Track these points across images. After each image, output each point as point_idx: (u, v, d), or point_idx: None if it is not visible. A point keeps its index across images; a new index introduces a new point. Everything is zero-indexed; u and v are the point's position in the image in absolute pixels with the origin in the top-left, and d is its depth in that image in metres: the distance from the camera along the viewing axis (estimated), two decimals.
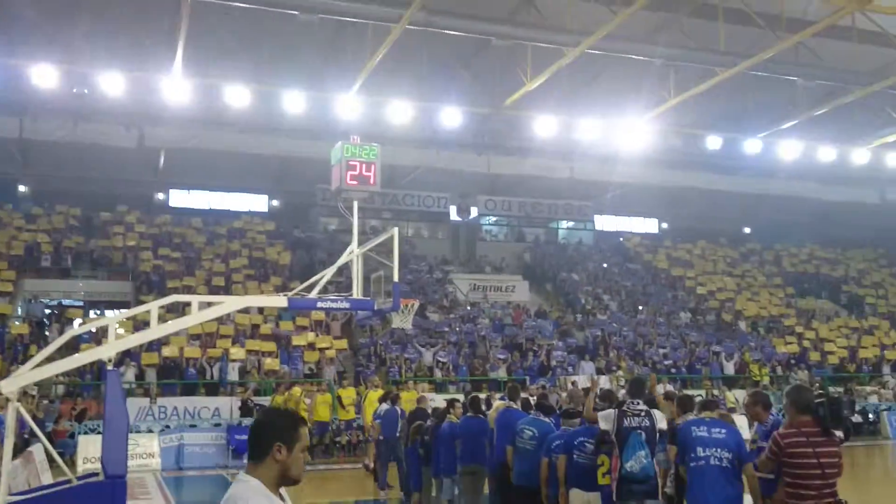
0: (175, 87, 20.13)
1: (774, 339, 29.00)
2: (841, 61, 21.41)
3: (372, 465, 15.39)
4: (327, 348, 23.68)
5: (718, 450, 6.32)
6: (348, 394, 20.04)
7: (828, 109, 23.55)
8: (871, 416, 24.46)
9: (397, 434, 13.75)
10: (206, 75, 20.78)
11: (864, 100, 22.98)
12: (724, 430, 6.45)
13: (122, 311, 20.08)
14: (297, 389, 18.54)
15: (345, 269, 15.09)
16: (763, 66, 20.27)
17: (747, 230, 40.13)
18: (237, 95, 20.71)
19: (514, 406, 9.90)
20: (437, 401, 16.72)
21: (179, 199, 32.50)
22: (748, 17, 19.31)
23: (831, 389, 25.05)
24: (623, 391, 12.93)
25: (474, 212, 35.24)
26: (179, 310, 18.84)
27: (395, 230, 10.87)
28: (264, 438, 3.26)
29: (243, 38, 21.52)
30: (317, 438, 19.23)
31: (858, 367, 28.14)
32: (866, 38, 20.22)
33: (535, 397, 11.32)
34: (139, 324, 19.18)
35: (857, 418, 23.98)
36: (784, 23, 19.16)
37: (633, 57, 20.84)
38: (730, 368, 26.18)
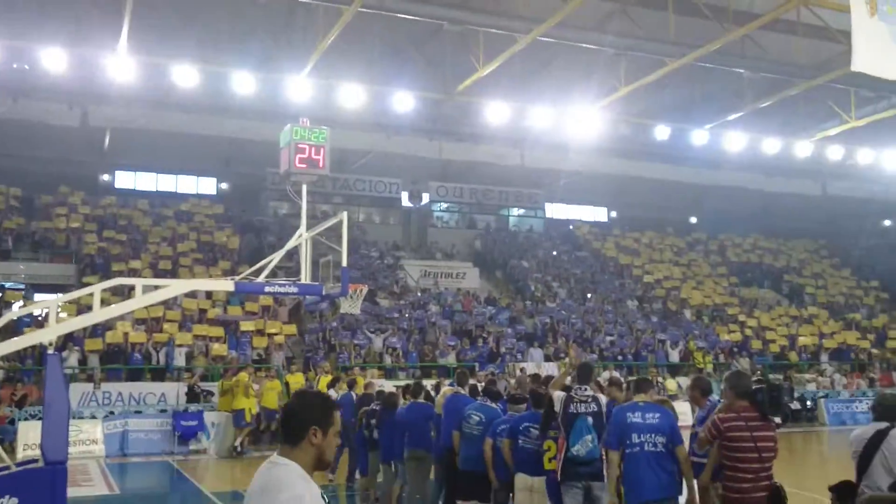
0: (120, 65, 19.61)
1: (718, 328, 29.62)
2: (786, 55, 21.83)
3: None
4: (276, 334, 23.49)
5: (653, 435, 6.43)
6: (297, 380, 19.95)
7: (772, 102, 24.01)
8: (808, 403, 25.18)
9: (353, 419, 13.74)
10: (152, 54, 20.30)
11: (807, 93, 23.48)
12: (657, 415, 6.55)
13: (64, 294, 19.64)
14: (243, 375, 18.36)
15: (294, 254, 14.98)
16: (710, 57, 20.55)
17: (693, 220, 40.85)
18: (185, 75, 20.26)
19: (462, 392, 9.96)
20: (387, 387, 16.68)
21: (125, 180, 31.88)
22: (697, 9, 19.55)
23: (771, 377, 25.77)
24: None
25: (426, 198, 35.25)
26: (125, 293, 18.55)
27: (345, 214, 10.80)
28: (300, 422, 3.28)
29: (191, 17, 21.10)
30: (264, 424, 19.11)
31: (798, 356, 28.91)
32: (810, 32, 20.64)
33: (483, 383, 11.39)
34: (83, 308, 18.76)
35: (795, 405, 24.68)
36: (731, 15, 19.46)
37: (585, 45, 20.96)
38: (675, 356, 26.66)
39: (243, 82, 20.80)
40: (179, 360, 21.52)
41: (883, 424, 5.81)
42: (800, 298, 34.65)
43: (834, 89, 23.55)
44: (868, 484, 5.61)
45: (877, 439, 5.71)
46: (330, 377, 18.40)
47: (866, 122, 24.75)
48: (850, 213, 38.76)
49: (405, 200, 35.06)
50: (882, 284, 37.08)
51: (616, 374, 20.32)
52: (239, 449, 17.76)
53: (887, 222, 41.23)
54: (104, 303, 10.65)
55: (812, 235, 40.30)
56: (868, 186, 34.62)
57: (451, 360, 23.74)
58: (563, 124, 24.15)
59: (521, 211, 38.28)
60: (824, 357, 29.12)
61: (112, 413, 18.75)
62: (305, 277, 10.85)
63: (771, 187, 34.57)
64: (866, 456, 5.69)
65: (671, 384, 23.62)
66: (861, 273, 38.39)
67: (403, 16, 19.36)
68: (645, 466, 6.38)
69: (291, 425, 3.30)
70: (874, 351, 30.15)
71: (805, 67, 22.10)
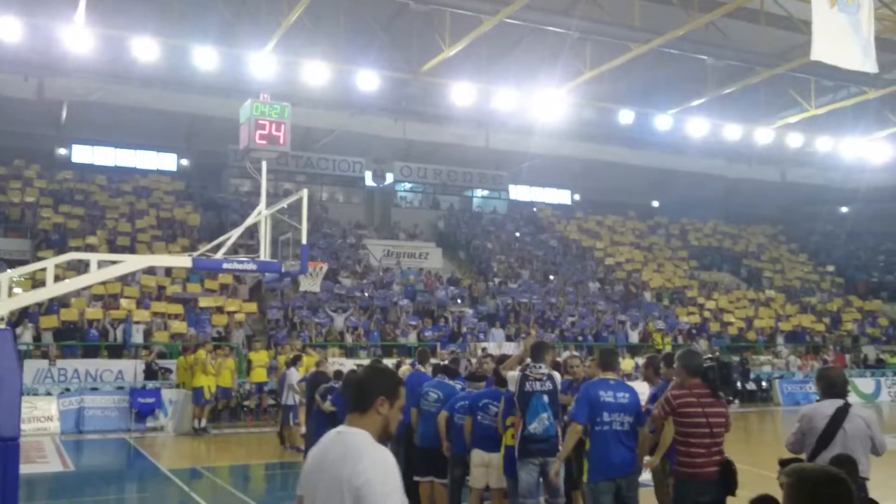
0: (77, 36, 19.14)
1: (677, 310, 30.04)
2: (748, 43, 22.04)
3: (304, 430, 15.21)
4: (236, 312, 23.32)
5: (622, 415, 6.51)
6: (260, 357, 19.78)
7: (735, 89, 24.28)
8: (764, 383, 25.71)
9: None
10: (111, 25, 19.84)
11: (768, 81, 23.78)
12: (627, 395, 6.62)
13: (16, 268, 19.25)
14: (201, 352, 18.21)
15: (255, 232, 14.86)
16: (675, 43, 20.69)
17: (655, 204, 41.26)
18: (145, 48, 19.82)
19: (422, 370, 9.99)
20: (348, 365, 16.69)
21: (83, 154, 31.30)
22: None
23: (726, 358, 26.26)
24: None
25: (389, 178, 35.15)
26: (81, 269, 18.25)
27: (304, 192, 10.73)
28: (369, 392, 3.40)
29: None
30: (222, 402, 19.03)
31: (755, 338, 29.46)
32: (773, 21, 20.87)
33: (446, 362, 11.43)
34: (38, 283, 18.43)
35: (751, 386, 25.21)
36: (696, 2, 19.59)
37: (551, 28, 20.96)
38: (634, 337, 27.00)
39: (205, 57, 20.44)
40: (137, 338, 21.27)
41: (840, 401, 5.86)
42: (758, 282, 35.26)
43: (795, 78, 23.88)
44: (825, 460, 5.69)
45: (840, 416, 5.75)
46: (292, 355, 18.31)
47: (825, 110, 25.15)
48: (808, 199, 39.51)
49: (369, 180, 34.92)
50: (837, 270, 37.89)
51: (576, 354, 20.50)
52: (201, 426, 17.67)
53: (844, 209, 42.07)
54: (60, 278, 10.48)
55: (771, 221, 41.00)
56: (826, 174, 35.32)
57: (412, 339, 23.78)
58: (527, 107, 24.16)
59: (485, 192, 38.33)
60: (780, 339, 29.72)
61: (68, 390, 18.49)
62: (265, 255, 10.77)
63: (732, 173, 35.08)
64: (829, 433, 5.72)
65: (627, 364, 23.90)
66: (817, 258, 39.17)
67: None
68: (614, 444, 6.46)
69: (361, 395, 3.42)
70: (828, 334, 30.83)
71: (767, 56, 22.36)
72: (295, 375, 15.51)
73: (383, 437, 3.40)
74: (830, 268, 37.92)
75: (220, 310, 23.32)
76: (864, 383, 26.86)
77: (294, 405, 15.21)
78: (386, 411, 3.40)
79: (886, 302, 34.90)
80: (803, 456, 5.85)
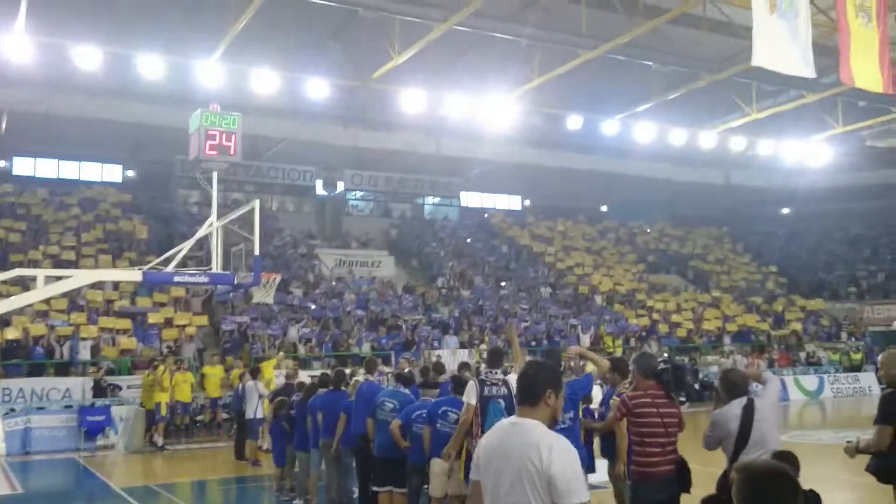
0: (17, 45, 18.67)
1: (627, 312, 30.45)
2: (692, 49, 22.49)
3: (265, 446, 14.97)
4: (186, 325, 22.94)
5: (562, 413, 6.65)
6: (216, 371, 19.47)
7: (679, 94, 24.73)
8: (714, 383, 26.14)
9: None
10: (52, 34, 19.41)
11: (712, 86, 24.25)
12: (566, 392, 6.75)
13: None
14: (160, 368, 17.86)
15: (205, 244, 14.68)
16: (621, 49, 20.99)
17: (604, 208, 41.80)
18: (88, 57, 19.42)
19: (372, 379, 9.95)
20: (302, 377, 16.53)
21: (24, 167, 30.53)
22: (609, 2, 19.96)
23: (677, 359, 26.68)
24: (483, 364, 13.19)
25: (340, 186, 34.99)
26: (25, 286, 17.78)
27: (256, 203, 10.67)
28: (539, 385, 3.69)
29: None
30: (179, 417, 18.72)
31: (702, 338, 30.00)
32: (715, 27, 21.32)
33: (409, 370, 11.40)
34: None
35: (699, 386, 25.64)
36: (641, 9, 19.94)
37: (500, 35, 21.11)
38: (586, 341, 27.25)
39: (151, 66, 20.10)
40: (84, 354, 20.78)
41: (744, 399, 6.06)
42: (704, 284, 35.92)
43: (737, 83, 24.42)
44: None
45: (748, 413, 5.94)
46: (242, 369, 18.06)
47: (767, 114, 25.77)
48: (751, 201, 40.44)
49: (319, 188, 34.71)
50: (780, 270, 38.80)
51: (530, 359, 20.64)
52: (160, 444, 17.37)
53: (785, 210, 43.18)
54: (3, 295, 10.20)
55: (716, 223, 41.84)
56: (768, 176, 36.18)
57: (365, 349, 23.68)
58: (478, 113, 24.28)
59: (437, 199, 38.41)
60: (727, 339, 30.31)
61: (13, 410, 17.97)
62: (217, 267, 10.65)
63: (678, 176, 35.69)
64: (744, 431, 5.91)
65: (589, 367, 24.09)
66: (761, 259, 40.08)
67: (318, 1, 19.08)
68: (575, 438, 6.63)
69: (530, 388, 3.70)
70: (773, 332, 31.54)
71: (710, 61, 22.84)
72: (258, 388, 15.23)
73: (552, 427, 3.66)
74: (773, 268, 38.82)
75: (169, 323, 22.93)
76: (808, 380, 27.57)
77: (259, 418, 14.93)
78: (553, 403, 3.68)
79: (828, 301, 35.86)
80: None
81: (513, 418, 3.72)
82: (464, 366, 10.21)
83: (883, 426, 6.12)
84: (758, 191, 38.54)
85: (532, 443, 3.48)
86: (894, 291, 35.67)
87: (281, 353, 19.75)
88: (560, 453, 3.45)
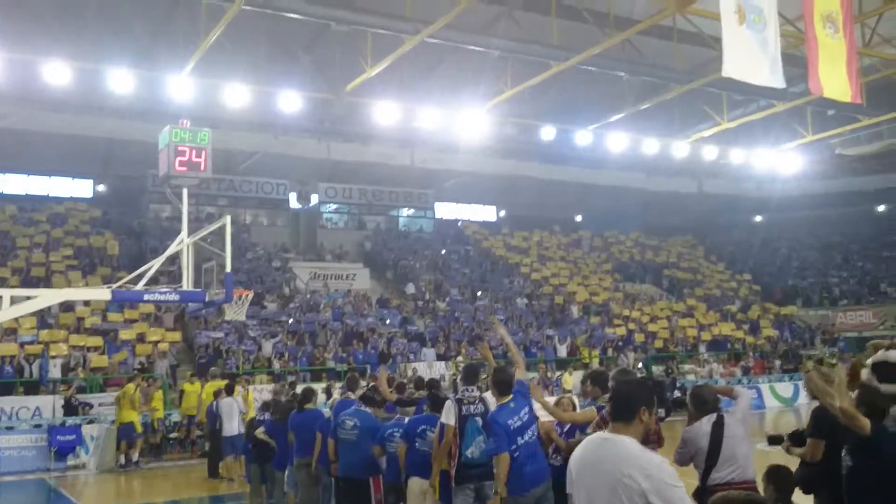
0: None
1: (601, 321, 30.51)
2: (663, 59, 22.67)
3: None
4: (159, 341, 22.64)
5: (530, 431, 6.72)
6: (195, 388, 19.09)
7: (651, 104, 24.92)
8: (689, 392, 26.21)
9: None
10: (19, 50, 19.16)
11: (683, 96, 24.47)
12: (525, 408, 6.81)
13: None
14: (130, 386, 17.55)
15: (177, 259, 14.49)
16: (592, 60, 21.10)
17: (579, 218, 41.95)
18: (56, 72, 19.19)
19: (352, 397, 9.82)
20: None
21: None
22: (579, 14, 20.06)
23: (654, 368, 26.78)
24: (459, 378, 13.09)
25: (314, 199, 34.82)
26: None
27: (227, 218, 10.53)
28: (633, 402, 3.76)
29: (63, 11, 20.07)
30: (150, 436, 18.38)
31: (679, 348, 30.12)
32: (686, 38, 21.52)
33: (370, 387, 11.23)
34: None
35: (677, 394, 25.68)
36: (612, 20, 20.05)
37: (472, 48, 21.16)
38: (563, 351, 27.29)
39: (120, 80, 19.90)
40: (55, 373, 20.42)
41: (714, 415, 6.10)
42: (679, 292, 36.12)
43: (708, 93, 24.65)
44: (719, 477, 5.88)
45: (718, 429, 5.98)
46: (217, 384, 17.80)
47: (737, 123, 26.03)
48: (724, 209, 40.78)
49: (293, 202, 34.52)
50: (753, 277, 39.12)
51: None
52: (134, 461, 17.07)
53: (758, 218, 43.60)
54: None
55: (689, 231, 42.14)
56: (740, 184, 36.51)
57: (341, 363, 23.51)
58: (451, 125, 24.30)
59: (411, 211, 38.35)
60: (703, 348, 30.46)
61: None
62: (188, 284, 10.50)
63: (651, 186, 35.91)
64: (714, 447, 5.94)
65: (568, 380, 24.07)
66: (734, 267, 40.41)
67: (289, 14, 19.00)
68: (529, 460, 6.63)
69: (625, 405, 3.78)
70: (749, 339, 31.75)
71: (681, 72, 23.02)
72: (238, 403, 15.01)
73: (644, 443, 3.73)
74: (747, 276, 39.14)
75: (142, 339, 22.62)
76: (783, 388, 27.74)
77: (232, 435, 14.70)
78: (646, 419, 3.75)
79: (801, 308, 36.20)
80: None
81: (604, 434, 3.80)
82: (433, 383, 10.08)
83: (815, 440, 6.15)
84: (730, 199, 38.89)
85: (629, 460, 3.55)
86: (866, 297, 36.11)
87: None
88: (658, 470, 3.52)
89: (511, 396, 6.87)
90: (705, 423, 6.05)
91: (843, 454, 5.17)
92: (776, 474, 5.36)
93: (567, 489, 3.91)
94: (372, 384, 10.56)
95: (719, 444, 5.92)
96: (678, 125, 27.68)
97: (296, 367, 23.09)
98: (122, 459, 17.08)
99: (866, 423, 4.98)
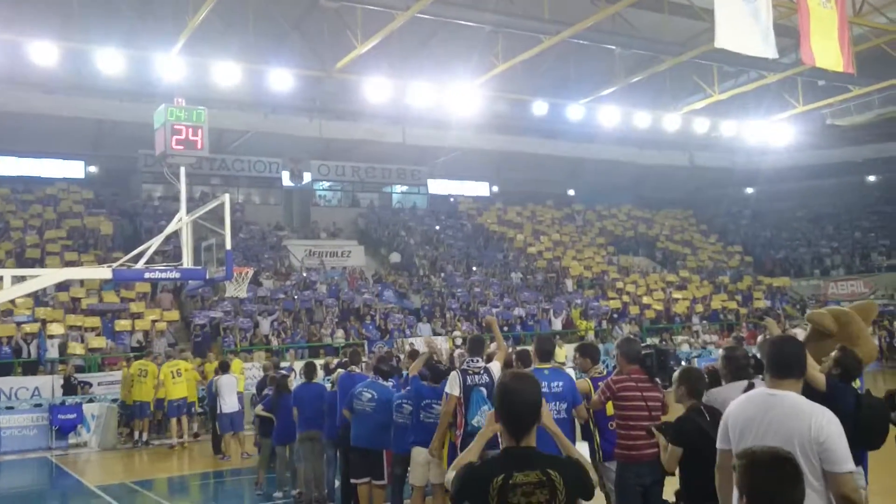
0: None
1: (592, 294, 30.71)
2: (654, 32, 22.66)
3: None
4: (157, 320, 22.72)
5: (557, 403, 6.62)
6: (212, 367, 18.91)
7: (642, 77, 24.93)
8: (683, 363, 26.45)
9: None
10: (7, 31, 19.03)
11: (674, 69, 24.50)
12: (561, 383, 6.73)
13: None
14: (153, 365, 17.53)
15: (172, 238, 14.53)
16: (584, 34, 21.08)
17: (571, 192, 42.02)
18: (44, 53, 19.05)
19: (356, 370, 9.97)
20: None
21: None
22: None
23: (649, 341, 26.97)
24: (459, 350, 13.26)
25: (307, 177, 34.79)
26: None
27: (226, 197, 10.58)
28: (801, 360, 4.10)
29: None
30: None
31: (671, 319, 30.37)
32: (676, 10, 21.52)
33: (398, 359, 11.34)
34: None
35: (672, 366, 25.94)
36: None
37: (462, 23, 21.10)
38: (558, 324, 27.47)
39: (109, 60, 19.79)
40: (52, 352, 20.50)
41: (744, 383, 5.72)
42: (672, 264, 36.33)
43: (699, 65, 24.66)
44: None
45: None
46: (216, 362, 17.88)
47: (729, 95, 26.09)
48: (716, 181, 40.92)
49: (286, 180, 34.49)
50: (745, 249, 39.36)
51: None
52: (143, 440, 17.23)
53: (749, 190, 43.76)
54: None
55: (681, 204, 42.29)
56: (731, 156, 36.64)
57: (338, 339, 23.65)
58: (443, 101, 24.26)
59: (404, 188, 38.37)
60: (696, 319, 30.71)
61: None
62: (188, 262, 10.56)
63: (643, 159, 35.98)
64: None
65: (560, 354, 24.23)
66: (726, 239, 40.62)
67: None
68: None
69: (795, 362, 4.03)
70: (742, 310, 32.00)
71: (672, 44, 23.04)
72: (232, 381, 15.12)
73: None
74: (738, 247, 39.35)
75: (138, 317, 22.69)
76: None
77: (231, 412, 14.81)
78: (805, 377, 4.08)
79: (793, 278, 36.47)
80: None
81: (768, 390, 3.97)
82: (382, 359, 10.22)
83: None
84: (722, 171, 39.01)
85: (801, 413, 3.73)
86: (857, 267, 36.39)
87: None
88: (831, 424, 3.68)
89: (550, 365, 6.91)
90: (735, 390, 5.58)
91: None
92: (687, 374, 5.48)
93: (719, 444, 4.05)
94: (380, 355, 10.68)
95: None
96: (669, 98, 27.71)
97: (293, 343, 23.21)
98: (136, 436, 17.21)
99: (821, 378, 5.15)
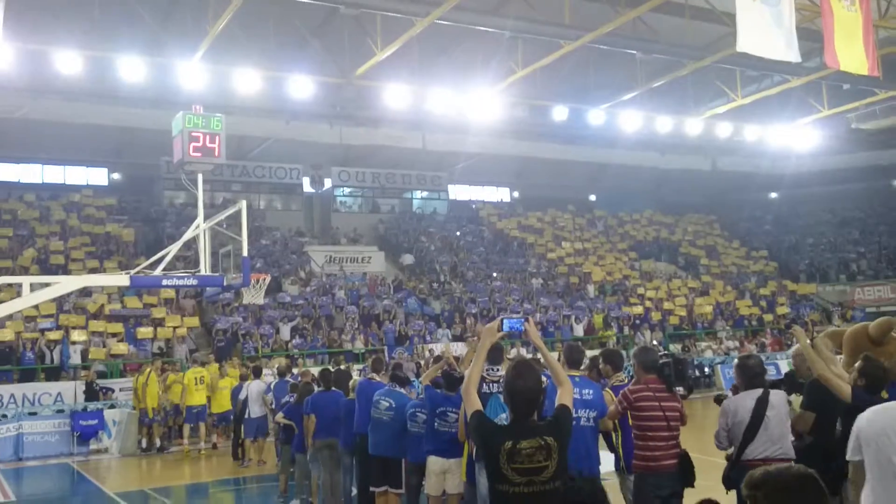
0: None
1: (616, 300, 30.48)
2: (675, 36, 22.46)
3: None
4: (178, 326, 22.84)
5: (587, 410, 6.49)
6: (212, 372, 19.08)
7: (664, 82, 24.73)
8: (706, 369, 26.20)
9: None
10: (30, 40, 19.24)
11: (696, 73, 24.27)
12: (591, 391, 6.60)
13: None
14: (147, 370, 17.72)
15: (193, 245, 14.60)
16: (605, 39, 20.95)
17: (593, 198, 41.80)
18: (67, 62, 19.26)
19: (376, 378, 9.86)
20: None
21: (7, 172, 30.27)
22: None
23: (671, 347, 26.75)
24: None
25: (328, 183, 34.88)
26: (12, 291, 17.64)
27: (243, 203, 10.58)
28: None
29: (72, 0, 20.12)
30: (172, 419, 18.39)
31: (694, 325, 30.06)
32: (698, 14, 21.31)
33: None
34: None
35: (695, 373, 25.68)
36: None
37: (482, 29, 21.04)
38: (579, 331, 27.30)
39: (131, 68, 19.97)
40: (75, 358, 20.68)
41: (759, 391, 5.93)
42: (695, 270, 36.00)
43: (721, 69, 24.42)
44: (755, 451, 5.77)
45: (762, 406, 5.83)
46: (238, 370, 17.92)
47: (752, 99, 25.81)
48: (738, 186, 40.50)
49: (307, 186, 34.60)
50: (769, 254, 38.92)
51: (524, 351, 20.68)
52: (157, 445, 17.30)
53: (772, 195, 43.27)
54: None
55: (703, 209, 41.92)
56: (754, 161, 36.23)
57: (358, 345, 23.64)
58: (462, 107, 24.22)
59: (425, 193, 38.35)
60: (719, 325, 30.38)
61: (5, 416, 17.85)
62: (205, 269, 10.58)
63: (664, 164, 35.71)
64: (755, 423, 5.80)
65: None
66: (749, 244, 40.18)
67: None
68: (581, 439, 6.44)
69: None
70: (766, 316, 31.61)
71: (693, 48, 22.83)
72: (262, 386, 15.10)
73: None
74: (762, 252, 38.92)
75: (160, 323, 22.82)
76: None
77: (258, 417, 14.78)
78: None
79: (819, 284, 36.00)
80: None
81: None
82: (398, 366, 10.15)
83: (805, 412, 6.16)
84: (745, 176, 38.62)
85: None
86: (884, 272, 35.86)
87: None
88: None
89: (580, 373, 6.79)
90: (748, 397, 5.91)
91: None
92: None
93: (849, 456, 4.03)
94: (396, 362, 10.62)
95: (760, 419, 5.79)
96: (692, 102, 27.47)
97: (313, 350, 23.25)
98: (145, 443, 17.30)
99: (846, 389, 5.01)
